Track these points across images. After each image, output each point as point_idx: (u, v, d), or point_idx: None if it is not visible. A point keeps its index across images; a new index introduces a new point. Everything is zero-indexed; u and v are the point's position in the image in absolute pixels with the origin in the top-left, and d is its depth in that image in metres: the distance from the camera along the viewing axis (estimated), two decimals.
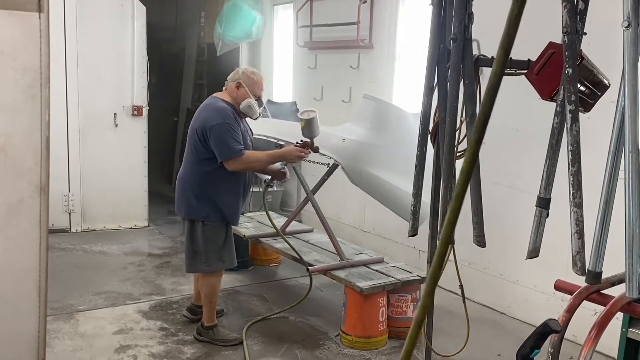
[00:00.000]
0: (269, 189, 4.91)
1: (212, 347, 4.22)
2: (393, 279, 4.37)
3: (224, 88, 4.18)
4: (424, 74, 2.39)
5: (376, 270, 4.55)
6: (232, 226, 4.30)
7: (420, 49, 5.71)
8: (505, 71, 2.38)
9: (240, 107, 4.05)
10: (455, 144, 2.30)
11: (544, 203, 1.98)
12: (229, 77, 4.16)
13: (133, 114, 7.03)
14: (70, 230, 6.95)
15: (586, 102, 2.36)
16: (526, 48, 2.12)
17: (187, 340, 4.31)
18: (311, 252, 4.93)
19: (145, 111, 7.10)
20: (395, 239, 6.03)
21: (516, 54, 2.39)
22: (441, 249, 1.06)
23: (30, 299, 1.59)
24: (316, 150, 4.12)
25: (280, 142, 4.69)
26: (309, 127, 3.97)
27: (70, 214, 6.95)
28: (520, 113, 4.55)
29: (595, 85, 2.15)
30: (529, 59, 2.23)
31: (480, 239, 2.32)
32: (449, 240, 1.04)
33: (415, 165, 2.47)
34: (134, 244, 6.61)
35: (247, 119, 4.22)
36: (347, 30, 6.37)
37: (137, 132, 7.12)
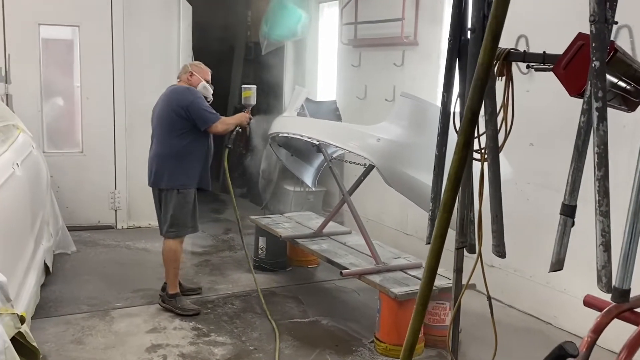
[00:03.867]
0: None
1: (242, 349, 4.15)
2: None
3: (177, 81, 4.86)
4: (444, 69, 2.23)
5: (413, 276, 4.38)
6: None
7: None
8: (539, 66, 2.20)
9: (197, 89, 4.71)
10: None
11: (569, 211, 1.79)
12: (180, 72, 4.91)
13: None
14: (116, 226, 7.05)
15: (630, 101, 2.16)
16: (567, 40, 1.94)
17: (218, 342, 4.26)
18: (347, 255, 4.80)
19: None
20: None
21: (552, 47, 2.20)
22: (428, 274, 0.92)
23: None
24: (251, 119, 4.84)
25: (315, 142, 4.59)
26: (251, 96, 4.83)
27: (116, 210, 7.06)
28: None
29: (637, 82, 1.95)
30: (544, 52, 2.04)
31: (499, 249, 2.14)
32: (438, 255, 0.90)
33: (434, 167, 2.30)
34: None
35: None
36: (392, 27, 6.21)
37: None
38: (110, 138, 6.90)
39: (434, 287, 4.20)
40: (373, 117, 5.65)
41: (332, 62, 7.50)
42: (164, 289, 4.92)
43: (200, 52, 7.16)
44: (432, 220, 2.28)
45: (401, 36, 6.01)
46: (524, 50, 2.16)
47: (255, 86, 4.91)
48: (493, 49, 0.75)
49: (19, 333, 2.75)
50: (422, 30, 5.95)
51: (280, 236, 5.27)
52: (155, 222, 7.07)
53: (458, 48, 2.15)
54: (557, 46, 2.08)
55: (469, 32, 2.02)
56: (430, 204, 2.33)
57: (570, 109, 4.07)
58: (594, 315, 4.64)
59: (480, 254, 2.18)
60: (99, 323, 4.48)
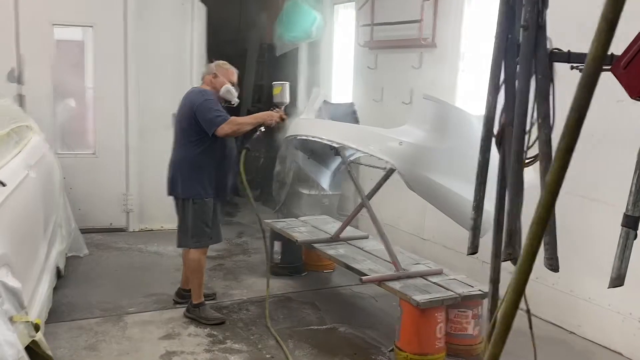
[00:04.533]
0: None
1: (258, 357, 4.05)
2: (453, 293, 4.08)
3: (200, 82, 4.62)
4: (489, 69, 2.10)
5: (434, 283, 4.26)
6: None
7: (487, 48, 5.39)
8: (579, 66, 2.08)
9: (220, 93, 4.48)
10: (525, 149, 2.00)
11: (631, 222, 1.67)
12: (204, 72, 4.64)
13: None
14: (128, 229, 6.97)
15: None
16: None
17: (234, 349, 4.16)
18: (365, 260, 4.69)
19: None
20: (457, 249, 5.70)
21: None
22: (513, 297, 0.81)
23: None
24: (284, 119, 4.52)
25: (334, 145, 4.49)
26: (282, 93, 4.54)
27: (128, 213, 6.98)
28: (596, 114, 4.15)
29: None
30: (612, 53, 1.92)
31: (552, 262, 2.02)
32: (526, 278, 0.79)
33: (477, 174, 2.18)
34: None
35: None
36: (410, 28, 6.10)
37: None
38: (122, 140, 6.83)
39: (456, 295, 4.11)
40: (390, 120, 5.54)
41: (347, 64, 7.40)
42: (179, 294, 4.83)
43: (212, 53, 7.07)
44: (474, 229, 2.17)
45: (419, 38, 5.90)
46: (569, 50, 2.04)
47: (287, 82, 4.63)
48: (608, 40, 0.65)
49: (33, 341, 2.66)
50: (441, 32, 5.84)
51: (297, 240, 5.17)
52: (167, 225, 7.10)
53: (505, 48, 2.02)
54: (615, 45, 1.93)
55: (521, 30, 1.90)
56: (472, 213, 2.21)
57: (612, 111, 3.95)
58: (618, 325, 4.50)
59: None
60: (112, 329, 4.39)
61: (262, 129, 4.52)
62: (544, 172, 1.91)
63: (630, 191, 1.71)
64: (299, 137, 4.73)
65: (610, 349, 4.34)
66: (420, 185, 3.93)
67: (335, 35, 7.73)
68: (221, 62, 4.61)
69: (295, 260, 5.65)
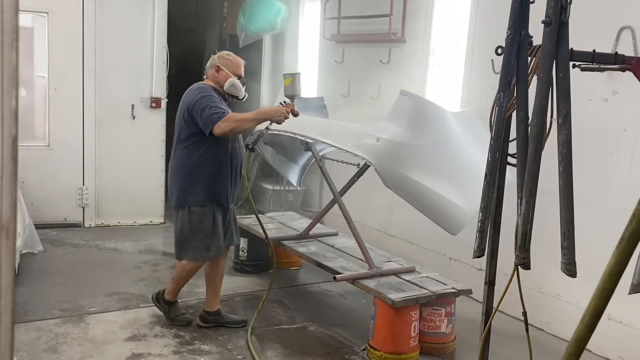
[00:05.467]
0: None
1: (229, 358, 3.92)
2: (427, 291, 4.04)
3: (204, 77, 4.17)
4: (501, 65, 2.03)
5: (408, 281, 4.22)
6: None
7: (458, 44, 5.37)
8: (587, 66, 2.05)
9: (225, 88, 4.04)
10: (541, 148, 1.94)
11: None
12: (207, 66, 4.15)
13: (151, 106, 6.77)
14: (83, 225, 6.71)
15: None
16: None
17: (203, 350, 4.02)
18: (337, 258, 4.62)
19: (164, 103, 6.82)
20: (424, 245, 5.69)
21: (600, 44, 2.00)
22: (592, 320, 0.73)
23: None
24: (296, 114, 3.97)
25: (308, 140, 4.38)
26: (292, 84, 4.10)
27: (84, 208, 6.71)
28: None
29: None
30: (615, 52, 1.89)
31: (570, 267, 1.97)
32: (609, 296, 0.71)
33: (485, 174, 2.11)
34: (149, 242, 6.34)
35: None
36: (378, 23, 6.04)
37: (155, 125, 6.84)
38: (78, 131, 6.55)
39: (430, 293, 4.07)
40: (358, 115, 5.48)
41: (313, 57, 7.28)
42: (203, 318, 4.36)
43: (171, 43, 6.84)
44: (481, 232, 2.11)
45: (389, 32, 5.85)
46: (594, 50, 1.99)
47: (299, 73, 4.27)
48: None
49: None
50: (410, 27, 5.80)
51: (266, 238, 5.04)
52: (124, 221, 6.88)
53: (518, 43, 1.96)
54: None
55: (543, 25, 1.83)
56: (480, 215, 2.15)
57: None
58: None
59: (517, 269, 2.02)
60: (73, 329, 4.18)
61: (269, 126, 4.02)
62: (563, 174, 1.85)
63: None
64: (270, 132, 4.60)
65: None
66: (397, 183, 3.87)
67: (300, 28, 7.60)
68: (225, 52, 4.19)
69: (262, 257, 5.52)
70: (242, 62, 4.15)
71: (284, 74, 4.20)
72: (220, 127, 3.76)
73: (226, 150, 4.01)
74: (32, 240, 5.51)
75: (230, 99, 4.11)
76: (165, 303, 4.38)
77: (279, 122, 3.92)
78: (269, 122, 3.96)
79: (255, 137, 4.06)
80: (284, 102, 4.08)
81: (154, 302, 4.43)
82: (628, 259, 0.91)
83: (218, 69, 4.04)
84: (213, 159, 3.98)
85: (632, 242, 0.85)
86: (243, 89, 4.11)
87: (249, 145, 4.09)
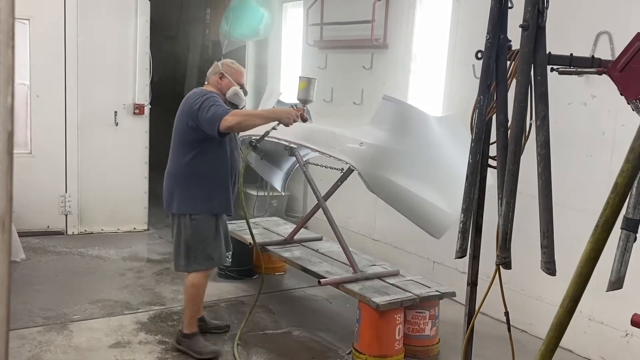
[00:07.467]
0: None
1: None
2: (411, 294, 4.08)
3: (205, 83, 4.10)
4: (481, 69, 2.08)
5: (392, 284, 4.25)
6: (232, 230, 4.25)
7: (439, 50, 5.43)
8: (564, 69, 2.10)
9: (227, 97, 3.98)
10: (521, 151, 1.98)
11: (632, 225, 1.68)
12: (209, 72, 4.09)
13: (134, 113, 6.74)
14: (66, 232, 6.66)
15: None
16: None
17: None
18: (321, 263, 4.63)
19: (147, 110, 6.81)
20: (408, 249, 5.74)
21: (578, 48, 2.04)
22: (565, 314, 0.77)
23: None
24: (305, 120, 3.89)
25: (292, 145, 4.41)
26: (307, 89, 4.01)
27: (66, 215, 6.66)
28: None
29: None
30: (592, 55, 1.94)
31: (550, 266, 2.01)
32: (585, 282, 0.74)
33: (467, 176, 2.16)
34: (132, 249, 6.31)
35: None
36: (361, 29, 6.09)
37: (138, 132, 6.82)
38: (61, 138, 6.51)
39: (414, 296, 4.10)
40: (340, 120, 5.52)
41: (296, 63, 7.31)
42: (178, 341, 4.13)
43: (153, 50, 6.84)
44: (462, 232, 2.14)
45: (371, 38, 5.90)
46: (571, 54, 2.04)
47: (315, 78, 4.13)
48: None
49: None
50: (392, 33, 5.86)
51: (250, 243, 5.05)
52: (107, 228, 6.84)
53: (497, 47, 2.00)
54: None
55: (521, 30, 1.88)
56: (462, 215, 2.18)
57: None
58: (571, 324, 4.62)
59: (499, 270, 2.05)
60: (56, 337, 4.15)
61: (276, 127, 3.91)
62: (542, 174, 1.90)
63: (631, 194, 1.72)
64: (254, 137, 4.62)
65: (561, 347, 4.42)
66: (381, 187, 3.90)
67: (283, 34, 7.64)
68: (228, 60, 4.11)
69: (246, 263, 5.53)
70: (244, 71, 4.14)
71: (300, 77, 4.07)
72: (227, 120, 3.62)
73: (225, 157, 3.94)
74: (15, 248, 5.46)
75: (231, 106, 4.00)
76: (185, 337, 4.04)
77: (286, 125, 3.81)
78: (275, 122, 3.86)
79: (261, 136, 4.01)
80: (295, 105, 4.01)
81: (176, 348, 4.06)
82: (603, 245, 0.95)
83: (222, 76, 3.98)
84: (213, 166, 3.91)
85: (606, 229, 0.89)
86: (245, 98, 4.07)
87: (253, 142, 4.01)
